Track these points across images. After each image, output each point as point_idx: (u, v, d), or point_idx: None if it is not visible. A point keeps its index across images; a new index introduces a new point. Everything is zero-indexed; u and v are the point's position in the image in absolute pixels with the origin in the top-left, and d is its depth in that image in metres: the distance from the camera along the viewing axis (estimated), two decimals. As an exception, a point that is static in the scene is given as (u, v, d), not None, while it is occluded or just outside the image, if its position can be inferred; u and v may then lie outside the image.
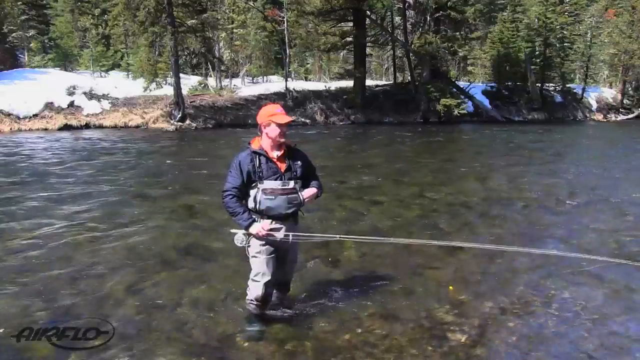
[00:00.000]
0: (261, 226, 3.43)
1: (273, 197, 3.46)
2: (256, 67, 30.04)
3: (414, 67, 28.85)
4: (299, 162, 3.59)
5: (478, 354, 3.38)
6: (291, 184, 3.52)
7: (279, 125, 3.44)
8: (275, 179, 3.48)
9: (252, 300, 3.62)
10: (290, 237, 3.51)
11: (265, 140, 3.51)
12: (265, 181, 3.46)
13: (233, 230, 3.57)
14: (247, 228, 3.44)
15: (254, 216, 3.47)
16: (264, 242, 3.52)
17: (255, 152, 3.49)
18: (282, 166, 3.52)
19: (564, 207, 7.73)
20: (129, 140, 16.61)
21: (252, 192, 3.49)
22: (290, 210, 3.51)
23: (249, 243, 3.54)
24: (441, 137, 19.69)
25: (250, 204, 3.49)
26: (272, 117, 3.45)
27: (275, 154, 3.52)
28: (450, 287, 4.41)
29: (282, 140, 3.49)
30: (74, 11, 30.68)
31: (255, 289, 3.56)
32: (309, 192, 3.60)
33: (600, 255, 5.34)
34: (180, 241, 5.69)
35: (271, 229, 3.47)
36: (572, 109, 32.89)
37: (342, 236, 4.13)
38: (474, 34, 30.28)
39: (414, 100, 27.25)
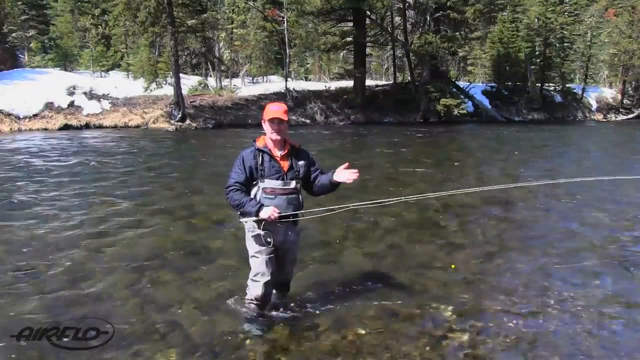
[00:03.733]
0: (272, 209, 3.39)
1: (273, 197, 3.47)
2: (256, 67, 30.03)
3: (414, 67, 28.84)
4: (302, 162, 3.60)
5: (478, 354, 3.38)
6: (292, 184, 3.52)
7: (269, 121, 3.47)
8: (277, 179, 3.48)
9: (251, 300, 3.62)
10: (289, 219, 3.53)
11: (267, 137, 3.56)
12: (266, 180, 3.47)
13: (243, 219, 3.51)
14: (257, 213, 3.40)
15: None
16: (263, 242, 3.52)
17: (259, 150, 3.51)
18: (285, 165, 3.52)
19: (564, 206, 7.73)
20: (128, 141, 16.60)
21: (253, 191, 3.51)
22: (289, 211, 3.51)
23: (261, 229, 3.47)
24: (441, 137, 19.69)
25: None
26: (266, 114, 3.51)
27: (278, 153, 3.53)
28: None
29: (279, 137, 3.50)
30: (74, 11, 30.69)
31: (254, 289, 3.57)
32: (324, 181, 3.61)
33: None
34: (180, 241, 5.68)
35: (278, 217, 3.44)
36: (572, 109, 32.89)
37: (340, 207, 4.06)
38: (474, 34, 30.29)
39: (414, 100, 27.25)
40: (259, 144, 3.55)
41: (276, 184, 3.48)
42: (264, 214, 3.39)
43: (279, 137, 3.51)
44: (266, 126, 3.51)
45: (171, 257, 5.14)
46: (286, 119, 3.50)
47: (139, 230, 6.09)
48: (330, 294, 4.23)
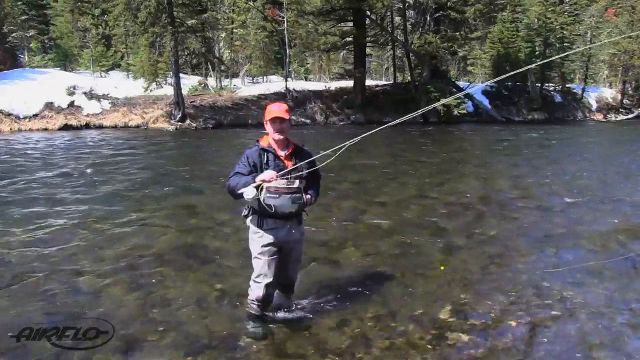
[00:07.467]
0: (272, 172, 3.37)
1: (277, 196, 3.43)
2: (256, 67, 30.04)
3: (414, 67, 28.85)
4: (305, 161, 3.57)
5: (478, 354, 3.38)
6: (296, 183, 3.50)
7: (271, 120, 3.48)
8: (281, 177, 3.46)
9: (253, 300, 3.62)
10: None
11: (270, 137, 3.57)
12: None
13: (242, 189, 3.38)
14: (255, 179, 3.35)
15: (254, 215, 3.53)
16: (266, 243, 3.51)
17: (263, 149, 3.52)
18: (289, 165, 3.51)
19: (563, 206, 7.73)
20: (128, 140, 16.60)
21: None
22: (293, 210, 3.51)
23: (261, 195, 3.37)
24: (441, 137, 19.69)
25: (254, 203, 3.47)
26: (267, 114, 3.53)
27: (282, 152, 3.54)
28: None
29: (282, 136, 3.51)
30: (74, 11, 30.69)
31: (256, 290, 3.57)
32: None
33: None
34: (180, 241, 5.69)
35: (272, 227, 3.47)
36: (572, 109, 32.89)
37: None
38: (474, 34, 30.29)
39: (414, 100, 27.22)
40: (263, 143, 3.56)
41: (280, 182, 3.44)
42: (264, 175, 3.35)
43: (281, 137, 3.51)
44: (268, 126, 3.52)
45: (171, 257, 5.15)
46: (287, 117, 3.51)
47: (139, 230, 6.10)
48: (330, 294, 4.23)
